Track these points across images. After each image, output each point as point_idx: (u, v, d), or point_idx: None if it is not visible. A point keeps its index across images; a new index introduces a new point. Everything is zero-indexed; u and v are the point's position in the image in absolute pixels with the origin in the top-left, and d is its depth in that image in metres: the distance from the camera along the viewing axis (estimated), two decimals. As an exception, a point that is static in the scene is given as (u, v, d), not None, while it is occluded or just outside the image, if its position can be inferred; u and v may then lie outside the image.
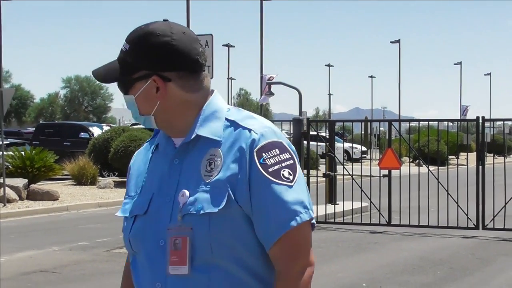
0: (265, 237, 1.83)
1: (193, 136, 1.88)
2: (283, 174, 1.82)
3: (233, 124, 1.88)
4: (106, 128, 25.40)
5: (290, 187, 1.82)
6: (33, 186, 16.48)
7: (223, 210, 1.80)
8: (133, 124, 34.37)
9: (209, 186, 1.83)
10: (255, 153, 1.82)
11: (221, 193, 1.81)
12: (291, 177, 1.83)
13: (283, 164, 1.83)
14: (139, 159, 2.03)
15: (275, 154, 1.83)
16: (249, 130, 1.85)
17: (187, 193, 1.84)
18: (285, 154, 1.84)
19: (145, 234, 1.89)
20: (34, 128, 31.91)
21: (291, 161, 1.85)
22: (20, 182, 16.17)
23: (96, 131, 25.11)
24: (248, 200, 1.82)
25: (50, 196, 16.12)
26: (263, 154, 1.83)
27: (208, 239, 1.81)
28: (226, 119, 1.89)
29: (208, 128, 1.88)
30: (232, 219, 1.82)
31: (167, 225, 1.85)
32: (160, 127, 1.94)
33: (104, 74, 1.94)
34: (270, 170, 1.81)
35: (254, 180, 1.82)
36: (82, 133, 25.41)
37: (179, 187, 1.86)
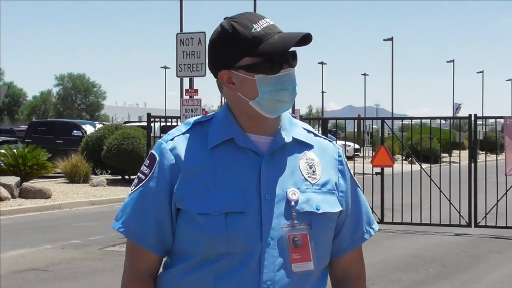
0: (352, 240, 1.99)
1: (290, 139, 1.89)
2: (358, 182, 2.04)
3: (311, 132, 1.97)
4: (99, 126, 25.36)
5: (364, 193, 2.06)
6: (25, 184, 16.43)
7: (337, 212, 1.92)
8: (126, 122, 34.31)
9: (317, 187, 1.88)
10: (346, 163, 2.00)
11: (332, 195, 1.91)
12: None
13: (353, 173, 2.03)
14: (188, 153, 1.87)
15: (349, 165, 2.02)
16: (329, 141, 1.99)
17: (297, 191, 1.85)
18: None
19: (249, 232, 1.80)
20: (26, 126, 31.83)
21: None
22: (12, 180, 16.12)
23: (89, 129, 25.07)
24: (347, 206, 1.95)
25: (42, 194, 16.08)
26: (347, 164, 2.01)
27: (321, 237, 1.87)
28: (302, 127, 1.97)
29: (296, 132, 1.93)
30: (333, 221, 1.92)
31: (279, 223, 1.81)
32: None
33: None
34: (355, 178, 2.01)
35: (352, 188, 1.98)
36: (75, 131, 25.36)
37: (280, 186, 1.84)
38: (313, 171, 1.89)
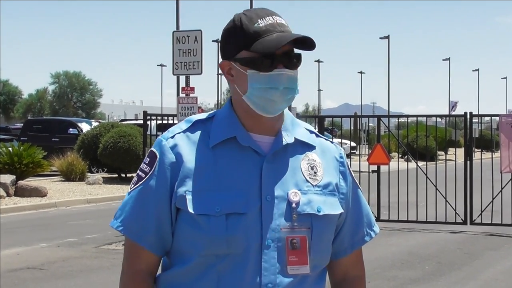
0: (352, 242, 1.97)
1: (292, 139, 1.88)
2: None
3: (313, 133, 1.96)
4: (95, 124, 25.30)
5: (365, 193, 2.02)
6: (21, 182, 16.40)
7: (338, 214, 1.90)
8: (122, 120, 34.28)
9: (318, 188, 1.87)
10: (348, 164, 1.98)
11: (333, 196, 1.90)
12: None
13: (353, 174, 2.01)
14: (189, 151, 1.84)
15: (350, 167, 2.00)
16: (331, 142, 1.98)
17: (299, 193, 1.83)
18: None
19: (249, 233, 1.78)
20: (22, 124, 31.78)
21: None
22: (8, 178, 16.09)
23: (85, 127, 25.01)
24: (347, 208, 1.94)
25: (38, 193, 16.05)
26: (349, 166, 1.99)
27: (321, 239, 1.85)
28: (304, 127, 1.96)
29: (298, 132, 1.92)
30: (334, 223, 1.91)
31: (279, 225, 1.79)
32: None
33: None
34: (356, 180, 2.00)
35: (351, 189, 1.96)
36: (71, 129, 25.30)
37: (281, 187, 1.82)
38: (315, 172, 1.88)
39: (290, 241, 1.79)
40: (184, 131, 1.88)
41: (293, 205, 1.81)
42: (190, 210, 1.78)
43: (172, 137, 1.87)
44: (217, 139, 1.85)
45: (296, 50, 1.85)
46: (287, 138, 1.87)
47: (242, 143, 1.84)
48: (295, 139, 1.89)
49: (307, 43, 1.83)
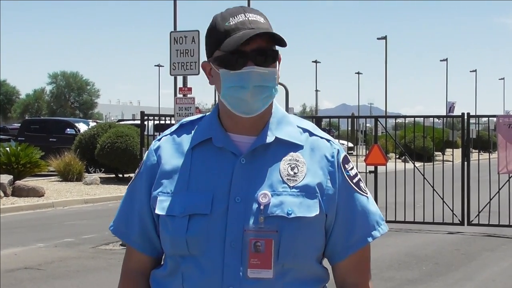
0: (346, 247, 1.87)
1: (272, 139, 1.82)
2: (362, 186, 1.90)
3: (306, 131, 1.88)
4: (92, 124, 25.28)
5: (368, 198, 1.90)
6: (18, 182, 16.38)
7: (314, 216, 1.79)
8: (119, 120, 34.28)
9: (295, 190, 1.79)
10: (341, 165, 1.86)
11: (312, 198, 1.80)
12: (366, 190, 1.92)
13: (358, 176, 1.91)
14: (169, 153, 1.86)
15: (352, 166, 1.90)
16: (327, 140, 1.88)
17: (269, 194, 1.77)
18: (355, 167, 1.92)
19: (211, 235, 1.76)
20: (19, 124, 31.71)
21: (359, 175, 1.93)
22: (5, 178, 16.07)
23: (82, 127, 24.99)
24: (334, 210, 1.84)
25: (35, 193, 16.04)
26: (346, 165, 1.88)
27: (293, 243, 1.77)
28: (297, 125, 1.89)
29: (284, 131, 1.85)
30: (315, 226, 1.81)
31: (244, 226, 1.75)
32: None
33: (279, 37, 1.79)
34: (354, 181, 1.88)
35: (343, 191, 1.85)
36: (68, 129, 25.28)
37: (253, 188, 1.77)
38: (295, 173, 1.80)
39: (254, 244, 1.74)
40: (171, 134, 1.91)
41: (261, 207, 1.75)
42: (157, 211, 1.81)
43: (160, 139, 1.91)
44: (196, 140, 1.86)
45: (278, 47, 1.82)
46: (268, 138, 1.82)
47: (216, 144, 1.82)
48: (278, 138, 1.83)
49: (277, 40, 1.79)
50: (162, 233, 1.83)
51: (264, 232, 1.75)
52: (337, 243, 1.87)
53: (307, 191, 1.80)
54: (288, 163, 1.82)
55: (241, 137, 1.83)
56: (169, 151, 1.87)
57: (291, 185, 1.79)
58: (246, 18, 1.79)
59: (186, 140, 1.87)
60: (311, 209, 1.79)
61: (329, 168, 1.85)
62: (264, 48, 1.78)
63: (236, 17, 1.79)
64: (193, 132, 1.88)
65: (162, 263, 1.93)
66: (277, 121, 1.86)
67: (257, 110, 1.79)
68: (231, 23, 1.78)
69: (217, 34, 1.80)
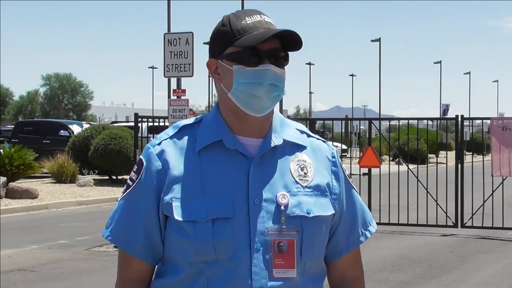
0: (347, 243, 1.94)
1: (281, 141, 1.86)
2: (354, 184, 1.99)
3: (304, 133, 1.93)
4: (86, 126, 25.25)
5: (359, 194, 2.00)
6: (12, 184, 16.34)
7: (330, 215, 1.86)
8: (113, 122, 34.22)
9: (308, 190, 1.84)
10: (341, 164, 1.95)
11: (324, 197, 1.86)
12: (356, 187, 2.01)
13: (348, 174, 1.98)
14: (175, 157, 1.83)
15: (343, 166, 1.98)
16: (324, 141, 1.96)
17: (288, 195, 1.80)
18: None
19: (237, 238, 1.76)
20: (13, 126, 31.62)
21: None
22: (-2, 180, 16.02)
23: (76, 129, 24.95)
24: (340, 208, 1.91)
25: (29, 194, 16.00)
26: (342, 165, 1.97)
27: (312, 242, 1.82)
28: (295, 127, 1.94)
29: (286, 133, 1.89)
30: (328, 224, 1.88)
31: (267, 228, 1.77)
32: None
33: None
34: (350, 180, 1.97)
35: (345, 189, 1.93)
36: (61, 131, 25.23)
37: (269, 190, 1.79)
38: (305, 173, 1.85)
39: (277, 244, 1.77)
40: (171, 137, 1.87)
41: (282, 207, 1.78)
42: (177, 217, 1.77)
43: (159, 143, 1.86)
44: (203, 143, 1.83)
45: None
46: (276, 140, 1.85)
47: (229, 146, 1.82)
48: (284, 140, 1.86)
49: (294, 42, 1.82)
50: (179, 240, 1.79)
51: (286, 232, 1.78)
52: (340, 241, 1.93)
53: (319, 190, 1.85)
54: (297, 164, 1.86)
55: (248, 139, 1.84)
56: (174, 155, 1.83)
57: (304, 185, 1.84)
58: (262, 19, 1.83)
59: (189, 143, 1.85)
60: (325, 208, 1.85)
61: (332, 167, 1.92)
62: (279, 49, 1.81)
63: (253, 16, 1.83)
64: (195, 134, 1.86)
65: (157, 271, 1.90)
66: (279, 124, 1.90)
67: (267, 108, 1.82)
68: (248, 22, 1.81)
69: (232, 31, 1.81)
